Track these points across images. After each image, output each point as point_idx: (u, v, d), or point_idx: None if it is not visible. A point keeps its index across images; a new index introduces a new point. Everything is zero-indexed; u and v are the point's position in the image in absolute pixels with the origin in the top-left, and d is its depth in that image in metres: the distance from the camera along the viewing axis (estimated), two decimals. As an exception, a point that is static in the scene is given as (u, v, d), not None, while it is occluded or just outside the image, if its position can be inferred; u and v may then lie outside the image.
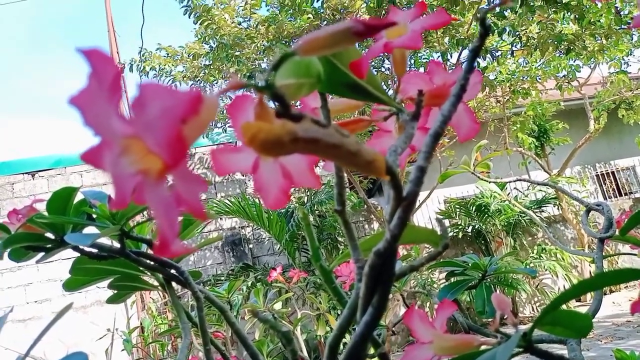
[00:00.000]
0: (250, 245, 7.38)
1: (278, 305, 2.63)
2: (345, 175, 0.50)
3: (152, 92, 0.19)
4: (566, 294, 0.42)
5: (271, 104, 0.31)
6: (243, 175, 7.59)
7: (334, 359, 0.44)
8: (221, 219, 7.17)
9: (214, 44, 6.74)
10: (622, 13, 6.11)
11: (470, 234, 7.88)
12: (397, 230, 0.34)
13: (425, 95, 0.44)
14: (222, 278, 6.53)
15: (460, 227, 7.79)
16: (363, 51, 0.43)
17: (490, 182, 1.33)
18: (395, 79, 0.49)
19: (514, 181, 1.24)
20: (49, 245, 0.64)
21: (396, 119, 0.50)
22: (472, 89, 0.48)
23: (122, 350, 4.70)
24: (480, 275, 1.13)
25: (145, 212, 0.72)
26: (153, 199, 0.22)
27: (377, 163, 0.30)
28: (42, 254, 0.65)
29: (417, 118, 0.41)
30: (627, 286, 8.04)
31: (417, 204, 7.10)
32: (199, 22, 6.54)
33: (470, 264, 1.15)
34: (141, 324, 5.41)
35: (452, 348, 0.46)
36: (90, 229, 0.65)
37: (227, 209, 6.22)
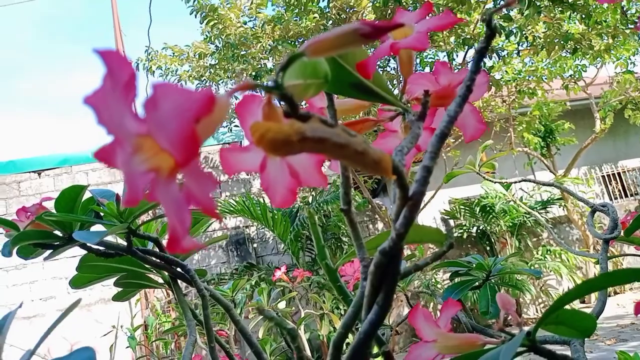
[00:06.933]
0: (255, 245, 7.39)
1: (282, 305, 2.63)
2: (351, 175, 0.50)
3: (166, 92, 0.20)
4: (570, 293, 0.42)
5: (278, 104, 0.32)
6: (248, 175, 7.60)
7: (338, 357, 0.44)
8: (225, 218, 7.18)
9: (220, 43, 6.75)
10: (628, 13, 6.08)
11: (474, 234, 7.86)
12: (402, 229, 0.34)
13: (431, 95, 0.44)
14: (226, 277, 6.54)
15: (464, 227, 7.78)
16: (370, 51, 0.43)
17: (495, 183, 1.32)
18: (402, 79, 0.49)
19: (519, 181, 1.23)
20: (57, 243, 0.65)
21: (402, 119, 0.50)
22: (479, 90, 0.48)
23: (127, 347, 4.72)
24: (485, 275, 1.13)
25: (152, 211, 0.72)
26: (164, 196, 0.22)
27: (384, 163, 0.30)
28: (50, 251, 0.66)
29: (423, 118, 0.42)
30: (631, 288, 8.00)
31: (422, 204, 7.08)
32: (205, 21, 6.56)
33: (474, 265, 1.15)
34: (145, 322, 5.43)
35: (455, 347, 0.46)
36: (98, 227, 0.66)
37: (231, 209, 6.23)
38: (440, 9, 5.03)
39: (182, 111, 0.19)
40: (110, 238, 0.68)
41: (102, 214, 0.66)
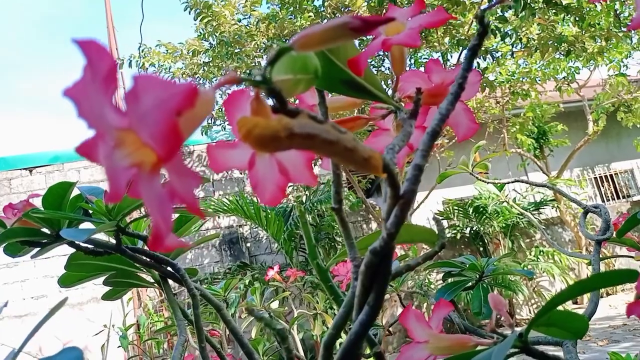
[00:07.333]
0: (248, 244, 7.38)
1: (275, 304, 2.63)
2: (344, 174, 0.50)
3: (147, 84, 0.19)
4: (562, 295, 0.42)
5: (269, 100, 0.31)
6: (241, 174, 7.58)
7: (329, 358, 0.44)
8: (219, 217, 7.16)
9: (214, 41, 6.73)
10: (621, 16, 6.12)
11: (468, 235, 7.88)
12: (393, 229, 0.34)
13: (423, 93, 0.44)
14: (219, 276, 6.52)
15: (458, 228, 7.80)
16: (362, 49, 0.43)
17: (488, 183, 1.32)
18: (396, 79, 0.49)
19: (512, 182, 1.23)
20: (45, 241, 0.64)
21: (394, 117, 0.50)
22: (471, 88, 0.48)
23: (118, 347, 4.69)
24: (478, 276, 1.13)
25: (142, 209, 0.71)
26: (147, 192, 0.22)
27: (374, 160, 0.29)
28: (37, 249, 0.65)
29: (415, 116, 0.41)
30: (624, 289, 8.05)
31: (416, 204, 7.12)
32: (199, 18, 6.53)
33: (467, 265, 1.14)
34: (137, 321, 5.41)
35: (447, 348, 0.46)
36: (86, 225, 0.65)
37: (225, 208, 6.21)
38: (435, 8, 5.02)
39: (163, 104, 0.19)
40: (99, 236, 0.67)
41: (90, 211, 0.65)
